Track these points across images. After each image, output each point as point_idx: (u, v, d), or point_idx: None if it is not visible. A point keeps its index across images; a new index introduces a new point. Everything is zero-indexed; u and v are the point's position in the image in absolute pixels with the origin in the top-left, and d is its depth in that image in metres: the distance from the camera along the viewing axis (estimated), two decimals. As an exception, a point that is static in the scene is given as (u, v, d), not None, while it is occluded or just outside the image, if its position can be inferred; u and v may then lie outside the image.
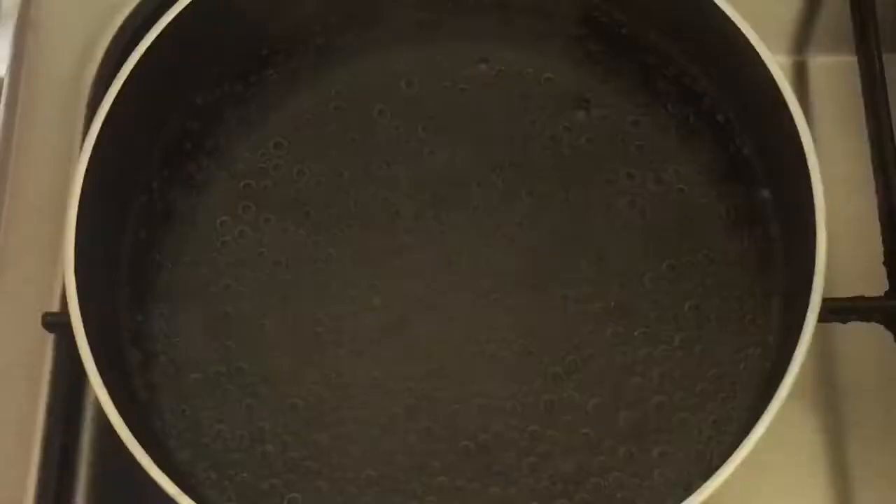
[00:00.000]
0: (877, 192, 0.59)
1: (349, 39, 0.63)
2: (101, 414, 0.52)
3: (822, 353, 0.61)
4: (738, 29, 0.54)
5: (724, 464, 0.48)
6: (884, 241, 0.58)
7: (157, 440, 0.54)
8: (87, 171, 0.54)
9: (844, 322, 0.56)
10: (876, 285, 0.56)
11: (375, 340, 0.57)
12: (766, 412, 0.48)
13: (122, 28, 0.67)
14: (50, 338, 0.59)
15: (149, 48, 0.56)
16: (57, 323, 0.57)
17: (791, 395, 0.49)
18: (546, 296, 0.57)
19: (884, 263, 0.57)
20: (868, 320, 0.56)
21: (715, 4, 0.55)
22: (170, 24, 0.57)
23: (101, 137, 0.55)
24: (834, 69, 0.67)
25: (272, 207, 0.60)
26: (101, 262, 0.56)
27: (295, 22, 0.62)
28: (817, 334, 0.50)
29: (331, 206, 0.60)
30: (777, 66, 0.54)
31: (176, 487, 0.49)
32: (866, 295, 0.56)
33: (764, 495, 0.58)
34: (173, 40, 0.57)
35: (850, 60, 0.63)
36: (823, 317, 0.51)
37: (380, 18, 0.63)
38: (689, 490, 0.48)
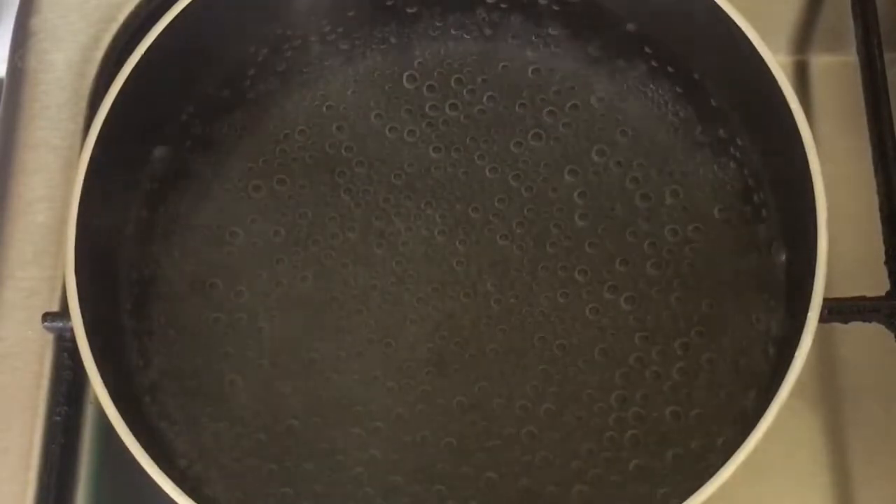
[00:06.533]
0: (878, 191, 0.59)
1: (355, 35, 0.63)
2: (101, 414, 0.52)
3: (823, 353, 0.60)
4: (739, 28, 0.54)
5: (726, 464, 0.48)
6: (885, 241, 0.58)
7: (157, 440, 0.54)
8: (87, 171, 0.54)
9: (845, 322, 0.56)
10: (877, 285, 0.56)
11: (375, 341, 0.57)
12: (767, 412, 0.48)
13: (122, 28, 0.67)
14: (50, 338, 0.59)
15: (149, 48, 0.56)
16: (57, 323, 0.57)
17: (792, 396, 0.49)
18: (547, 295, 0.57)
19: (885, 263, 0.57)
20: (869, 321, 0.56)
21: (716, 4, 0.55)
22: (170, 23, 0.57)
23: (102, 137, 0.55)
24: (835, 69, 0.67)
25: (272, 211, 0.60)
26: (101, 262, 0.56)
27: (298, 19, 0.62)
28: (818, 334, 0.50)
29: (330, 208, 0.60)
30: (778, 65, 0.53)
31: (176, 487, 0.49)
32: (867, 295, 0.56)
33: (765, 496, 0.58)
34: (174, 40, 0.57)
35: (851, 60, 0.63)
36: (824, 317, 0.51)
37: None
38: (690, 490, 0.48)
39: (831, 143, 0.62)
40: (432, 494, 0.54)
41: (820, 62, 0.68)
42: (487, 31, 0.62)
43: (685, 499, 0.48)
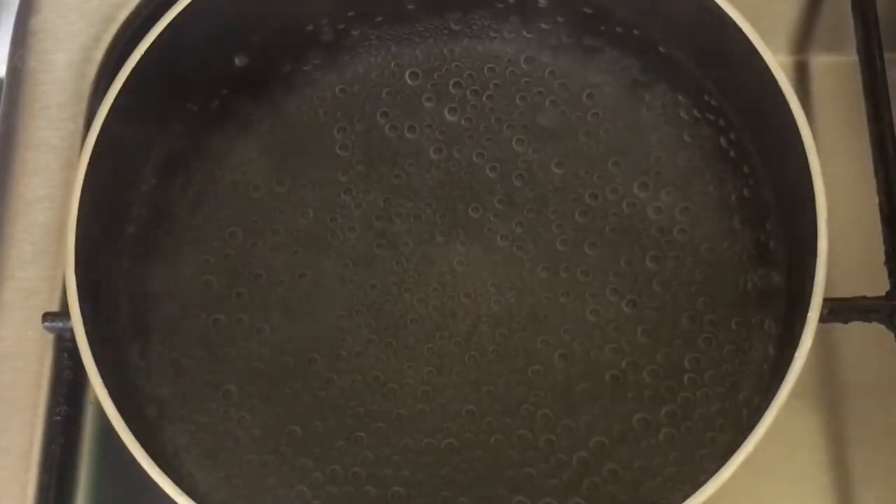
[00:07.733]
0: (878, 191, 0.59)
1: (354, 33, 0.63)
2: (101, 414, 0.52)
3: (824, 353, 0.60)
4: (739, 28, 0.54)
5: (726, 464, 0.48)
6: (885, 241, 0.58)
7: (157, 440, 0.54)
8: (87, 171, 0.54)
9: (846, 322, 0.56)
10: (877, 285, 0.56)
11: (375, 341, 0.57)
12: (767, 412, 0.48)
13: (122, 28, 0.67)
14: (50, 338, 0.59)
15: (149, 48, 0.56)
16: (57, 323, 0.57)
17: (792, 395, 0.49)
18: (548, 295, 0.57)
19: (885, 263, 0.57)
20: (869, 320, 0.56)
21: (716, 4, 0.55)
22: (170, 24, 0.56)
23: (102, 138, 0.55)
24: (835, 69, 0.67)
25: (272, 211, 0.60)
26: (101, 262, 0.56)
27: (297, 18, 0.62)
28: (818, 334, 0.50)
29: (330, 208, 0.60)
30: (778, 65, 0.53)
31: (176, 487, 0.49)
32: (867, 295, 0.56)
33: (765, 495, 0.58)
34: (173, 40, 0.57)
35: (851, 60, 0.63)
36: (825, 317, 0.51)
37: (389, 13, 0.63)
38: (690, 490, 0.48)
39: (831, 143, 0.62)
40: (433, 496, 0.54)
41: (820, 62, 0.68)
42: (488, 31, 0.62)
43: (685, 499, 0.48)
